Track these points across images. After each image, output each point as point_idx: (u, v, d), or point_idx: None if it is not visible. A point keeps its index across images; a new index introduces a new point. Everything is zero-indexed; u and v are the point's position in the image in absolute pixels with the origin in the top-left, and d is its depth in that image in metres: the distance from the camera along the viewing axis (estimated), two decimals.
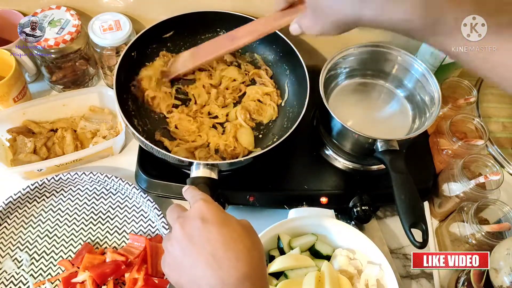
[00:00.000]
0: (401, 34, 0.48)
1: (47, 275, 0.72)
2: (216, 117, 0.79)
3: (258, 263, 0.45)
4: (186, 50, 0.85)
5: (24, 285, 0.71)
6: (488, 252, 0.62)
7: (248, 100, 0.81)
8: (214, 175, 0.62)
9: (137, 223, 0.77)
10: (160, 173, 0.74)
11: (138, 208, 0.78)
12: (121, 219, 0.78)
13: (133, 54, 0.78)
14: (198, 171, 0.62)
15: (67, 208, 0.78)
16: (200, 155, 0.73)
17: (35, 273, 0.72)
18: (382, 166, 0.67)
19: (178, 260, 0.46)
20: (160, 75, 0.79)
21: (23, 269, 0.72)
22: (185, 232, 0.46)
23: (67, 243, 0.75)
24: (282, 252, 0.69)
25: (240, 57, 0.86)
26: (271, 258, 0.68)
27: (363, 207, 0.72)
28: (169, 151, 0.73)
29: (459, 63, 0.48)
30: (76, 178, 0.78)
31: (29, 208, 0.77)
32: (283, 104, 0.81)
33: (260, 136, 0.78)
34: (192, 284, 0.44)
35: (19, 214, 0.77)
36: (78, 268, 0.70)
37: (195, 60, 0.78)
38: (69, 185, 0.80)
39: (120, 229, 0.77)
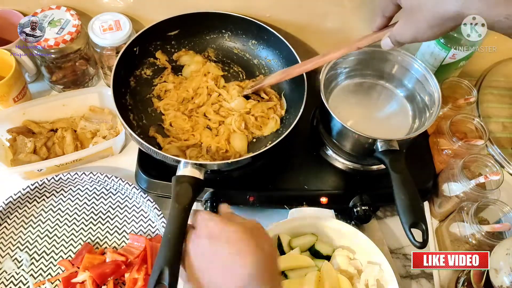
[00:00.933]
0: (503, 34, 0.46)
1: (47, 275, 0.72)
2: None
3: (271, 266, 0.46)
4: (189, 49, 0.86)
5: (24, 285, 0.71)
6: (488, 252, 0.62)
7: (249, 114, 0.79)
8: (200, 175, 0.62)
9: (137, 223, 0.77)
10: (160, 173, 0.74)
11: (138, 208, 0.78)
12: (121, 219, 0.78)
13: (135, 49, 0.78)
14: (185, 169, 0.61)
15: (67, 208, 0.78)
16: (192, 154, 0.73)
17: (35, 273, 0.72)
18: (382, 166, 0.67)
19: (197, 277, 0.48)
20: (246, 87, 0.80)
21: (23, 269, 0.72)
22: (204, 251, 0.49)
23: (67, 243, 0.75)
24: (282, 252, 0.69)
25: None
26: None
27: (363, 207, 0.72)
28: (161, 148, 0.73)
29: None
30: (76, 178, 0.78)
31: (29, 208, 0.77)
32: (283, 114, 0.80)
33: (254, 140, 0.78)
34: None
35: (19, 214, 0.77)
36: (78, 268, 0.71)
37: (282, 74, 0.75)
38: (69, 185, 0.80)
39: (120, 229, 0.77)
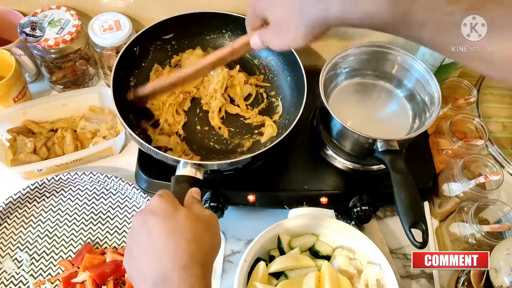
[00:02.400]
0: (373, 30, 0.47)
1: (47, 275, 0.72)
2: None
3: (198, 253, 0.45)
4: (191, 49, 0.86)
5: (24, 285, 0.71)
6: (488, 252, 0.62)
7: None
8: (199, 175, 0.62)
9: None
10: (160, 173, 0.74)
11: (138, 208, 0.78)
12: (121, 219, 0.78)
13: (135, 49, 0.79)
14: (184, 169, 0.62)
15: (67, 208, 0.78)
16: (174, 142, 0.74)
17: (35, 273, 0.72)
18: (382, 166, 0.67)
19: (129, 251, 0.47)
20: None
21: (23, 269, 0.72)
22: (135, 224, 0.48)
23: (67, 243, 0.75)
24: (282, 252, 0.69)
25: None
26: (271, 258, 0.69)
27: (363, 207, 0.72)
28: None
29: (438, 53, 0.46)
30: (76, 178, 0.78)
31: (29, 208, 0.77)
32: (279, 119, 0.81)
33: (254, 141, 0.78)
34: (139, 276, 0.45)
35: (19, 214, 0.77)
36: (78, 268, 0.71)
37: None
38: (69, 185, 0.80)
39: (120, 229, 0.77)
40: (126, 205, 0.79)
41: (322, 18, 0.48)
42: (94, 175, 0.78)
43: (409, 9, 0.43)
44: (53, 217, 0.77)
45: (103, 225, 0.77)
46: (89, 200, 0.79)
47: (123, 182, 0.77)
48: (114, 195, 0.80)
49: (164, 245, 0.45)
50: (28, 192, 0.76)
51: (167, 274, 0.43)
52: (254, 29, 0.58)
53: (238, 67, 0.83)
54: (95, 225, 0.77)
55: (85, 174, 0.78)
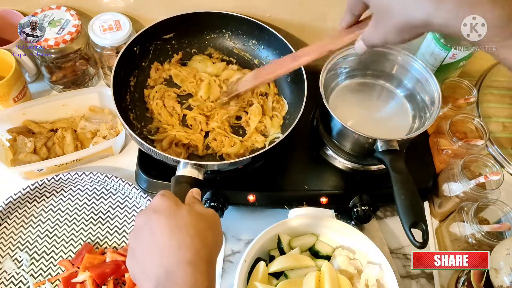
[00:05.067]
0: (473, 45, 0.45)
1: (47, 275, 0.72)
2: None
3: (203, 249, 0.45)
4: (191, 49, 0.86)
5: (24, 285, 0.71)
6: (488, 252, 0.62)
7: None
8: (199, 176, 0.62)
9: None
10: (160, 173, 0.74)
11: (138, 208, 0.78)
12: (121, 219, 0.78)
13: (135, 49, 0.78)
14: (184, 170, 0.62)
15: (67, 208, 0.78)
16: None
17: (35, 273, 0.72)
18: (382, 166, 0.67)
19: (131, 250, 0.47)
20: (221, 95, 0.78)
21: (23, 269, 0.72)
22: (137, 223, 0.48)
23: (67, 243, 0.75)
24: (282, 252, 0.69)
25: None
26: (271, 258, 0.69)
27: (363, 207, 0.72)
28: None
29: None
30: (76, 178, 0.78)
31: (29, 208, 0.77)
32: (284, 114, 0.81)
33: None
34: (142, 274, 0.45)
35: (19, 214, 0.77)
36: (78, 268, 0.71)
37: (255, 80, 0.72)
38: (69, 185, 0.80)
39: (120, 229, 0.77)
40: (126, 205, 0.79)
41: (425, 22, 0.46)
42: (94, 175, 0.78)
43: None
44: (53, 217, 0.77)
45: (103, 225, 0.77)
46: (89, 200, 0.79)
47: (123, 182, 0.77)
48: (114, 195, 0.80)
49: (167, 242, 0.45)
50: (28, 192, 0.76)
51: (171, 269, 0.43)
52: (353, 14, 0.57)
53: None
54: (95, 225, 0.77)
55: (85, 174, 0.78)
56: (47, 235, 0.76)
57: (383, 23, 0.50)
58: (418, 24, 0.46)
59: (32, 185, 0.76)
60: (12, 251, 0.74)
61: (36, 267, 0.73)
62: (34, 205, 0.78)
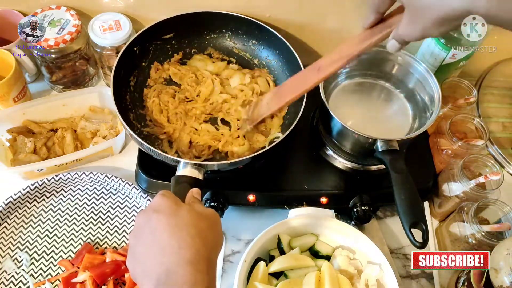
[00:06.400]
0: None
1: (47, 275, 0.72)
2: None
3: (203, 249, 0.45)
4: (191, 49, 0.86)
5: (24, 285, 0.71)
6: (488, 252, 0.62)
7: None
8: (199, 176, 0.62)
9: None
10: (160, 173, 0.74)
11: (138, 208, 0.78)
12: (121, 219, 0.78)
13: (135, 49, 0.79)
14: (184, 170, 0.62)
15: (67, 208, 0.78)
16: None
17: (35, 273, 0.72)
18: (382, 166, 0.67)
19: (132, 250, 0.47)
20: (242, 122, 0.76)
21: (23, 269, 0.72)
22: (138, 223, 0.48)
23: (67, 243, 0.75)
24: (282, 252, 0.69)
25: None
26: (271, 258, 0.69)
27: (363, 207, 0.72)
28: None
29: None
30: (76, 178, 0.78)
31: (29, 208, 0.77)
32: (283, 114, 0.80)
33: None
34: (143, 273, 0.45)
35: (19, 214, 0.77)
36: (78, 268, 0.71)
37: (279, 100, 0.70)
38: (69, 185, 0.80)
39: (120, 229, 0.77)
40: (126, 205, 0.79)
41: (464, 12, 0.44)
42: (94, 175, 0.78)
43: None
44: (53, 217, 0.77)
45: (103, 225, 0.77)
46: (89, 200, 0.79)
47: (123, 182, 0.77)
48: (114, 195, 0.80)
49: (167, 241, 0.45)
50: (28, 192, 0.76)
51: (172, 269, 0.43)
52: (378, 12, 0.55)
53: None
54: (95, 225, 0.77)
55: (85, 174, 0.78)
56: (47, 235, 0.76)
57: (420, 17, 0.48)
58: (458, 16, 0.45)
59: (32, 185, 0.76)
60: (12, 251, 0.74)
61: (36, 267, 0.73)
62: (34, 205, 0.78)
